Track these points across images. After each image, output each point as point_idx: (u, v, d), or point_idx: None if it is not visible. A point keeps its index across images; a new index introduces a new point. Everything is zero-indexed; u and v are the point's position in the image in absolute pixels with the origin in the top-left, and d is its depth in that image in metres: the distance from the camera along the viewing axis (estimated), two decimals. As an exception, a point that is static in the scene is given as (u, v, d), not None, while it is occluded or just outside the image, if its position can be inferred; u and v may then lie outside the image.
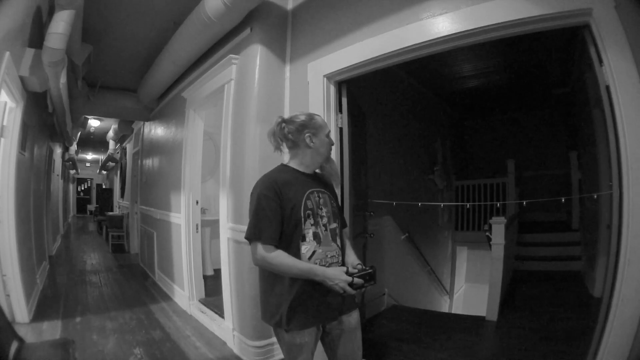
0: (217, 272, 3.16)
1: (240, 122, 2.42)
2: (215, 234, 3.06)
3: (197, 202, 3.26)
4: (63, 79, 2.83)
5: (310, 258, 1.23)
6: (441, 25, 1.66)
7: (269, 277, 1.26)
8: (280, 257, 1.19)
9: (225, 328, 2.54)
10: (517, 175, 5.65)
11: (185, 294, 3.26)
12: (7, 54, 1.94)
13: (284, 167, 1.35)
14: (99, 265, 5.17)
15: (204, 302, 3.08)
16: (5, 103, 2.34)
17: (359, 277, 1.17)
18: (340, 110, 2.23)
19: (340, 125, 2.21)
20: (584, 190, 4.39)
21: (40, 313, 2.93)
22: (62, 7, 2.12)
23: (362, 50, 1.96)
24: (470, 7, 1.59)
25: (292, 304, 1.21)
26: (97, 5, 2.62)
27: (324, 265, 1.24)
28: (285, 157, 1.41)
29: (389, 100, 4.27)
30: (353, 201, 2.24)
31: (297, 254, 1.22)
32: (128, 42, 3.40)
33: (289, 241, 1.23)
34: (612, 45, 1.29)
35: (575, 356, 2.08)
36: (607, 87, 1.32)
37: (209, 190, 4.63)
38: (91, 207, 14.48)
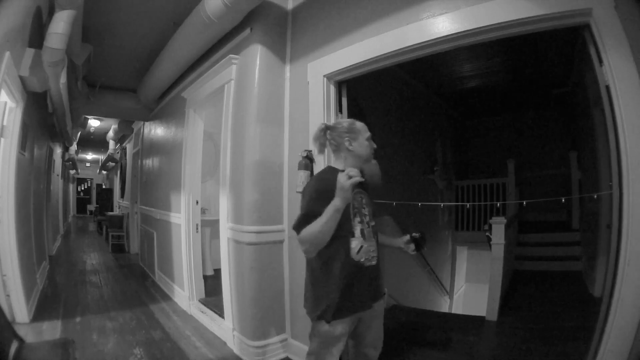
0: (217, 272, 3.16)
1: (240, 122, 2.42)
2: (215, 234, 3.06)
3: (197, 202, 3.26)
4: (63, 79, 2.82)
5: (358, 252, 1.30)
6: (441, 25, 1.66)
7: (322, 268, 1.30)
8: (307, 229, 1.22)
9: (225, 328, 2.54)
10: (517, 175, 5.65)
11: (185, 294, 3.26)
12: (7, 54, 1.94)
13: (331, 169, 1.41)
14: (99, 265, 5.17)
15: (204, 302, 3.08)
16: (5, 103, 2.34)
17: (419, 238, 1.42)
18: (340, 110, 2.23)
19: (340, 125, 2.20)
20: (584, 190, 4.39)
21: (40, 313, 2.92)
22: (62, 7, 2.12)
23: (362, 50, 1.96)
24: (470, 7, 1.59)
25: (343, 292, 1.26)
26: (97, 5, 2.62)
27: (367, 258, 1.31)
28: (319, 160, 1.52)
29: (390, 100, 4.28)
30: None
31: (347, 249, 1.29)
32: (128, 42, 3.40)
33: (339, 236, 1.27)
34: (612, 45, 1.29)
35: (575, 356, 2.07)
36: (607, 87, 1.32)
37: (209, 190, 4.63)
38: (91, 207, 14.47)
